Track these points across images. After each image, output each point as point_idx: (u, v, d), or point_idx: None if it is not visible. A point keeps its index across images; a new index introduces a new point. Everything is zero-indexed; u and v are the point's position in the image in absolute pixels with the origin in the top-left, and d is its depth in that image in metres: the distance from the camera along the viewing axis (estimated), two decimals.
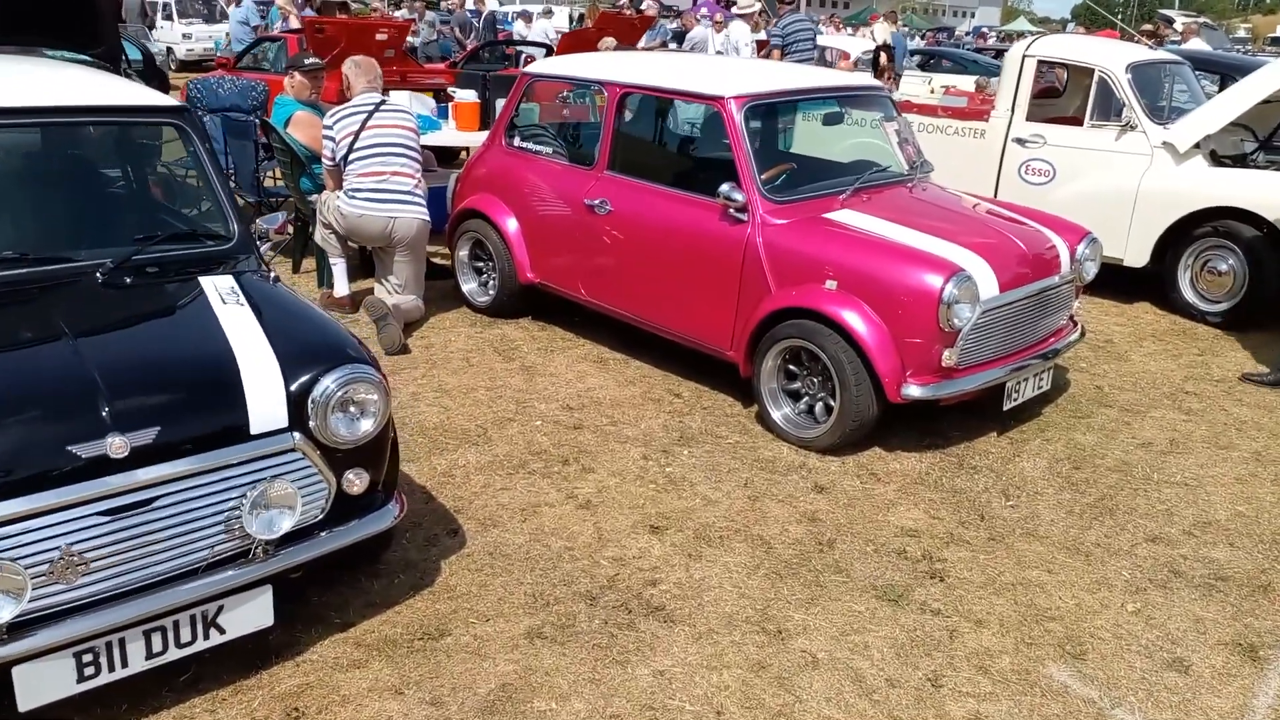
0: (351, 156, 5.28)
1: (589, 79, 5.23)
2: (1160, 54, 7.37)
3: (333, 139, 5.31)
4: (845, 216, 4.34)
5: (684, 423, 4.40)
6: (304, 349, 2.72)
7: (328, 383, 2.62)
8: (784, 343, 4.21)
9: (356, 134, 5.27)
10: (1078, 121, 6.86)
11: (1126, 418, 4.68)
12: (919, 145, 5.18)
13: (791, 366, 4.26)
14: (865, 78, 5.34)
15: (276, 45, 12.14)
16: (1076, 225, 4.73)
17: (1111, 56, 6.69)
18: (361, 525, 2.78)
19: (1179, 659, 2.90)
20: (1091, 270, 4.65)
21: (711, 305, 4.52)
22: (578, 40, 13.23)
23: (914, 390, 3.96)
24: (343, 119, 5.32)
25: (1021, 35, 18.48)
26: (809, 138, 5.10)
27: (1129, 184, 6.41)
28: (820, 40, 18.01)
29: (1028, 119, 6.94)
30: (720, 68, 5.04)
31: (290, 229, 3.68)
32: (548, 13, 22.54)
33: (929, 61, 17.87)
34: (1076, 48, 7.03)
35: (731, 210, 4.37)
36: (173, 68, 20.00)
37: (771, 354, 4.27)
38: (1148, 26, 17.49)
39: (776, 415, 4.30)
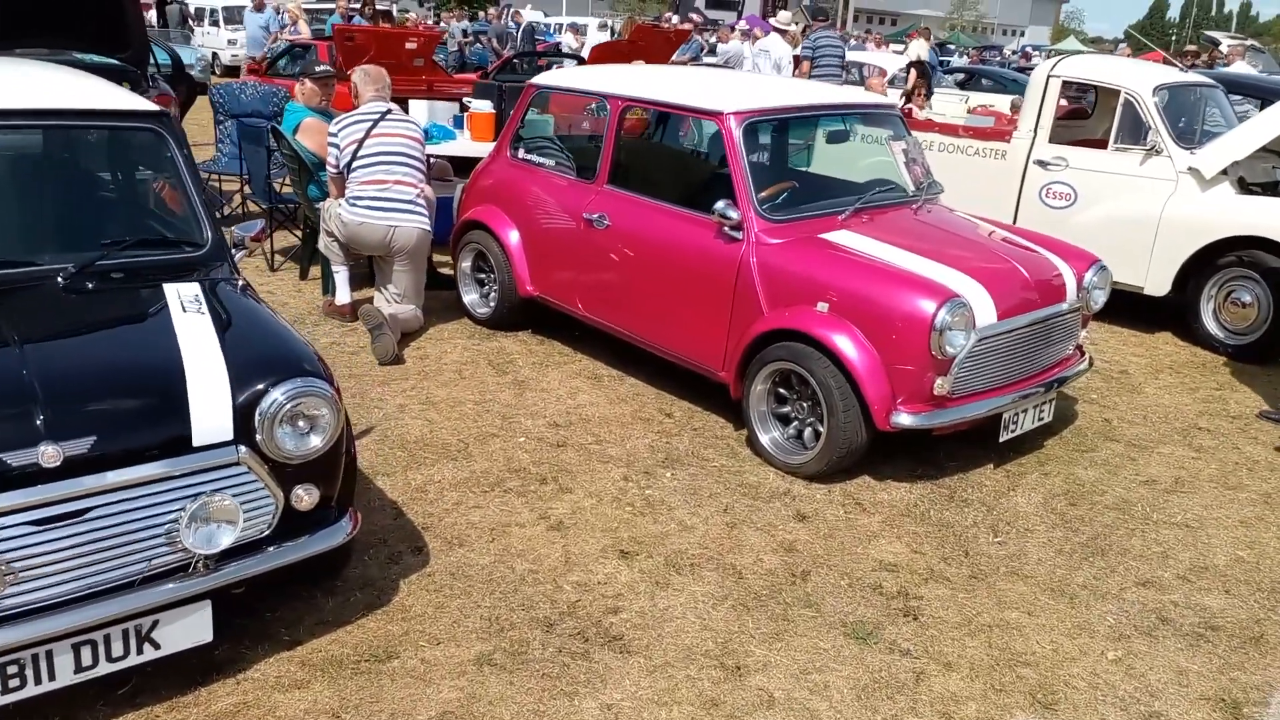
0: (355, 164, 5.27)
1: (592, 91, 5.18)
2: (1191, 76, 7.17)
3: (337, 146, 5.31)
4: (842, 237, 4.23)
5: (671, 444, 4.31)
6: (257, 360, 2.68)
7: (276, 395, 2.57)
8: (774, 365, 4.11)
9: (361, 142, 5.27)
10: (1103, 145, 6.68)
11: (1132, 453, 4.51)
12: (928, 165, 5.06)
13: (781, 390, 4.16)
14: (876, 96, 5.23)
15: (307, 52, 12.28)
16: (1085, 252, 4.58)
17: (1138, 78, 6.52)
18: (311, 542, 2.73)
19: (1156, 713, 2.76)
20: (1100, 299, 4.50)
21: (704, 324, 4.44)
22: (609, 53, 13.23)
23: (904, 419, 3.84)
24: (348, 126, 5.32)
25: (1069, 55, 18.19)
26: (813, 156, 5.00)
27: (1152, 210, 6.23)
28: (858, 56, 17.91)
29: (1051, 141, 6.78)
30: (722, 82, 4.97)
31: (267, 237, 3.64)
32: (603, 26, 22.61)
33: (969, 80, 17.65)
34: (1102, 68, 6.85)
35: (726, 228, 4.29)
36: (217, 73, 20.37)
37: (761, 376, 4.18)
38: (1192, 48, 17.15)
39: (765, 439, 4.20)
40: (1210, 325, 6.17)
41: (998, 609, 3.21)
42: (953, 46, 34.03)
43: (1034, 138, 6.82)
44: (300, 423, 2.62)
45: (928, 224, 4.58)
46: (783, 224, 4.28)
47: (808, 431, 4.08)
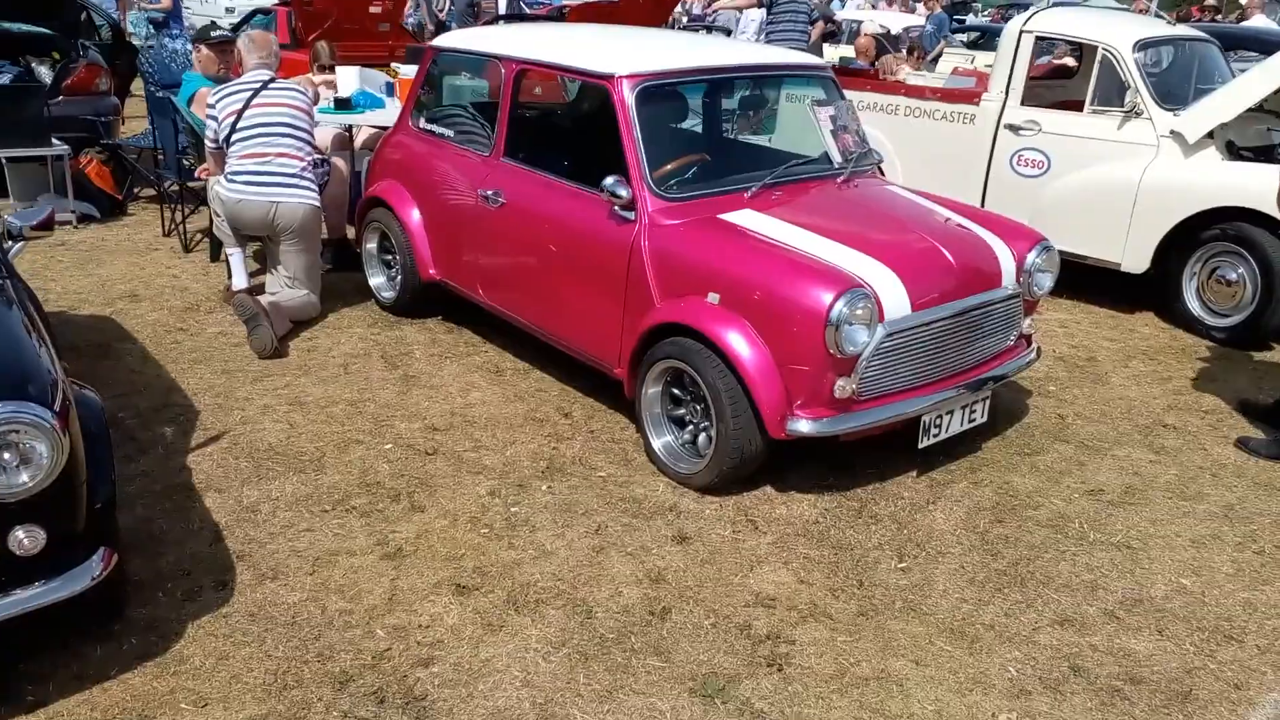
0: (234, 137, 4.83)
1: (486, 54, 4.67)
2: (1179, 30, 6.53)
3: (215, 118, 4.87)
4: (744, 218, 3.73)
5: (559, 449, 3.87)
6: None
7: None
8: (664, 363, 3.64)
9: (239, 113, 4.82)
10: (1080, 107, 6.08)
11: (1083, 456, 4.01)
12: (862, 133, 4.52)
13: (675, 390, 3.70)
14: (801, 56, 4.68)
15: (268, 18, 11.77)
16: (1029, 231, 4.05)
17: (1118, 32, 5.91)
18: (44, 592, 2.33)
19: None
20: (1045, 282, 3.98)
21: (597, 315, 3.97)
22: (590, 13, 12.55)
23: (802, 425, 3.37)
24: (226, 97, 4.87)
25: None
26: (723, 125, 4.48)
27: (1130, 178, 5.65)
28: (858, 15, 17.13)
29: (1028, 103, 6.19)
30: (618, 41, 4.44)
31: (56, 225, 3.21)
32: None
33: (982, 39, 16.84)
34: (1079, 22, 6.24)
35: (617, 208, 3.80)
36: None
37: (653, 375, 3.71)
38: (1210, 1, 16.25)
39: (657, 444, 3.74)
40: (1193, 305, 5.61)
41: (881, 656, 2.75)
42: (979, 5, 32.72)
43: (1005, 100, 6.23)
44: (7, 454, 2.20)
45: (850, 201, 4.06)
46: (679, 203, 3.79)
47: (702, 437, 3.62)
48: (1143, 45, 5.85)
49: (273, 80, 4.98)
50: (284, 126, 4.87)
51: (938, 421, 3.65)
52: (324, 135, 6.98)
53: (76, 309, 5.21)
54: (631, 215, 3.78)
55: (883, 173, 6.70)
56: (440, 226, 4.84)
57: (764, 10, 11.75)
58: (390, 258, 5.25)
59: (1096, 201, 5.79)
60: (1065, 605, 3.01)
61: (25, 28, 7.97)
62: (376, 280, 5.36)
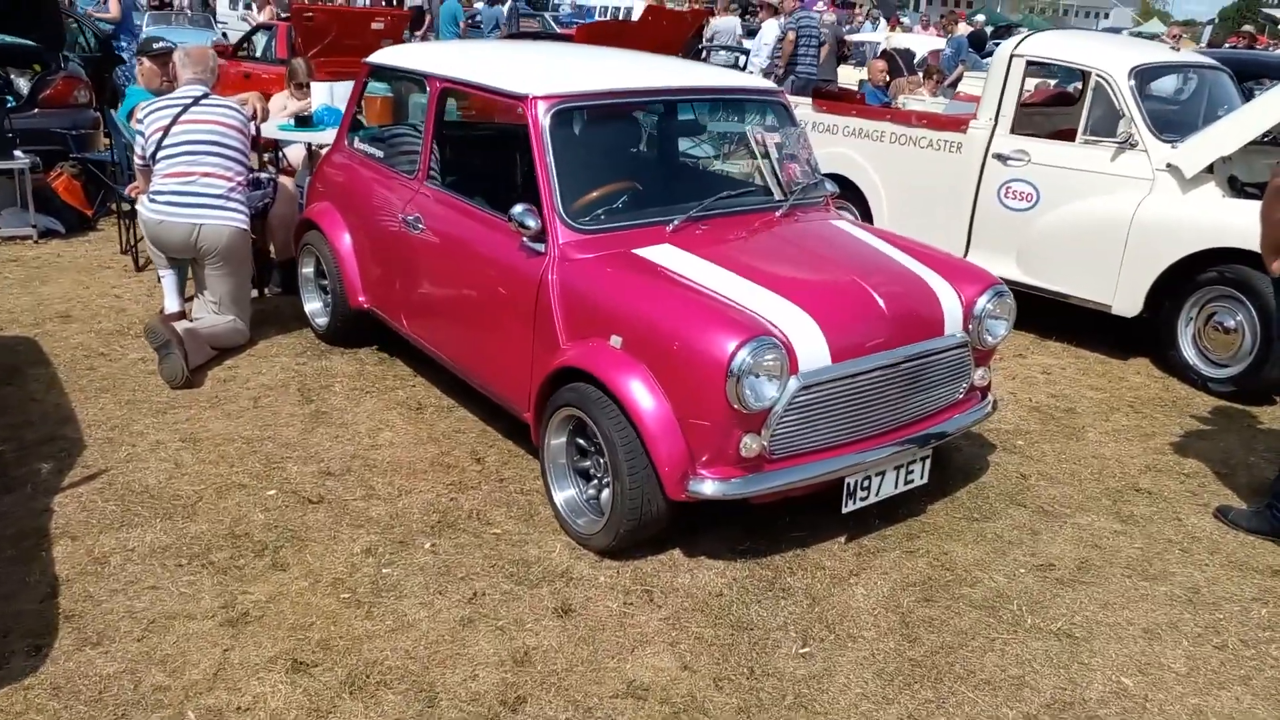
0: (159, 154, 4.61)
1: (414, 71, 4.41)
2: (1183, 56, 6.13)
3: (142, 134, 4.65)
4: (661, 254, 3.42)
5: (458, 500, 3.56)
6: None
7: None
8: (566, 410, 3.32)
9: (167, 129, 4.61)
10: (1073, 136, 5.69)
11: (1039, 523, 3.63)
12: (813, 163, 4.19)
13: (581, 440, 3.38)
14: (752, 79, 4.37)
15: (269, 34, 11.70)
16: (982, 274, 3.69)
17: (1112, 57, 5.53)
18: None
19: None
20: (999, 330, 3.61)
21: (508, 354, 3.68)
22: (597, 34, 12.30)
23: (705, 487, 3.03)
24: (154, 112, 4.66)
25: (1154, 39, 16.62)
26: (653, 151, 4.17)
27: (1123, 214, 5.25)
28: (873, 36, 16.77)
29: (1019, 132, 5.82)
30: (540, 59, 4.15)
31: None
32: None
33: None
34: (1072, 46, 5.85)
35: (526, 239, 3.51)
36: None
37: (555, 423, 3.40)
38: (1248, 28, 15.71)
39: (559, 498, 3.42)
40: (1188, 353, 5.19)
41: None
42: (1023, 30, 32.07)
43: (994, 128, 5.86)
44: None
45: (783, 238, 3.72)
46: (593, 235, 3.49)
47: (605, 494, 3.29)
48: (1140, 72, 5.46)
49: (205, 96, 4.77)
50: (212, 145, 4.65)
51: (865, 484, 3.29)
52: (295, 154, 6.82)
53: (4, 329, 5.01)
54: (541, 247, 3.48)
55: (852, 213, 6.40)
56: (369, 252, 4.59)
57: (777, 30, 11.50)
58: (326, 283, 5.00)
59: (1086, 238, 5.40)
60: (981, 707, 2.63)
61: (5, 39, 7.88)
62: (312, 306, 5.11)
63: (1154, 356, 5.41)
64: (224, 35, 21.41)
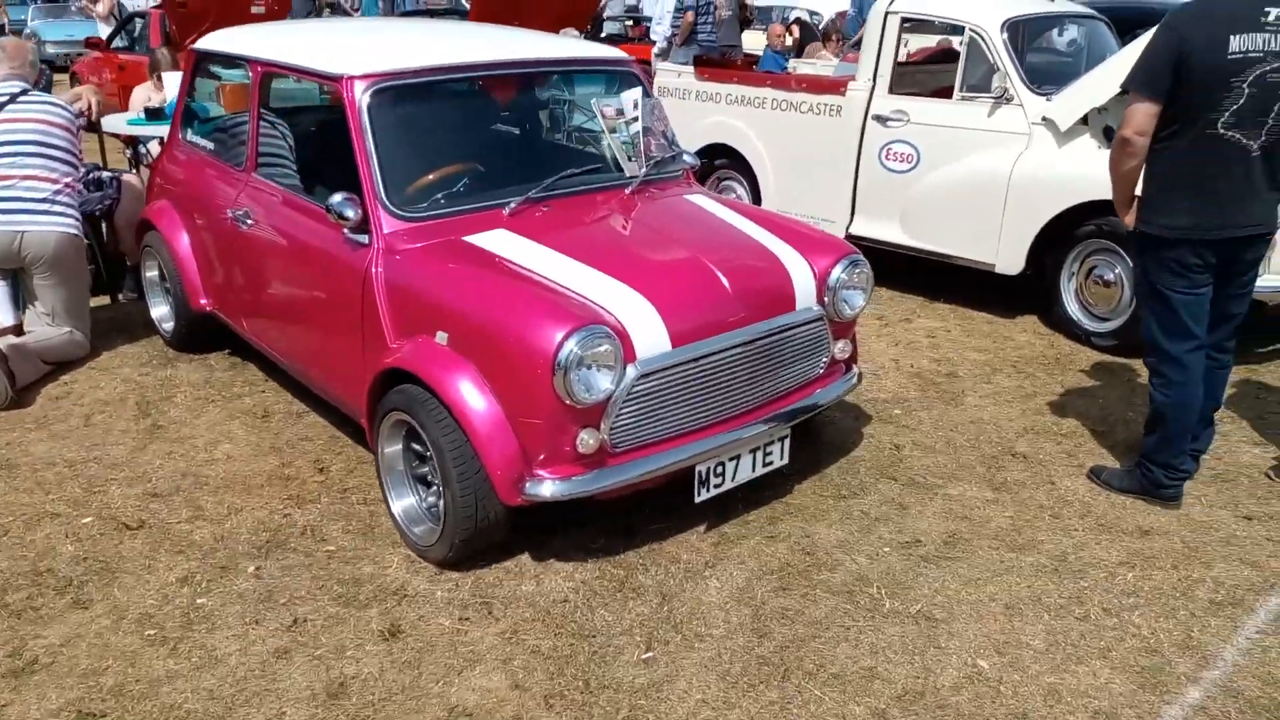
0: None
1: (237, 55, 4.10)
2: (1058, 6, 6.03)
3: None
4: (495, 240, 3.19)
5: (293, 516, 3.31)
6: None
7: None
8: (395, 414, 3.09)
9: None
10: (950, 94, 5.58)
11: (909, 497, 3.50)
12: (670, 137, 3.99)
13: (417, 446, 3.14)
14: (600, 49, 4.14)
15: (144, 23, 11.10)
16: (838, 244, 3.53)
17: (986, 11, 5.40)
18: None
19: None
20: (856, 301, 3.46)
21: (341, 356, 3.43)
22: (494, 10, 11.81)
23: (544, 488, 2.83)
24: None
25: None
26: (491, 129, 3.92)
27: (1000, 171, 5.16)
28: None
29: (893, 91, 5.68)
30: (362, 36, 3.85)
31: None
32: None
33: None
34: (946, 2, 5.72)
35: (347, 230, 3.25)
36: None
37: (387, 428, 3.16)
38: None
39: (397, 508, 3.20)
40: (1072, 309, 5.13)
41: None
42: None
43: (872, 89, 5.72)
44: None
45: (630, 218, 3.52)
46: (421, 223, 3.24)
47: (444, 501, 3.07)
48: (1012, 24, 5.35)
49: (25, 93, 4.41)
50: (33, 145, 4.30)
51: (719, 470, 3.12)
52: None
53: None
54: (365, 239, 3.23)
55: (741, 184, 6.21)
56: (207, 252, 4.29)
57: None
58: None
59: (966, 197, 5.30)
60: (828, 706, 2.48)
61: None
62: (159, 311, 4.79)
63: (1041, 314, 5.35)
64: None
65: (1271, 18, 3.05)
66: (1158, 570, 3.09)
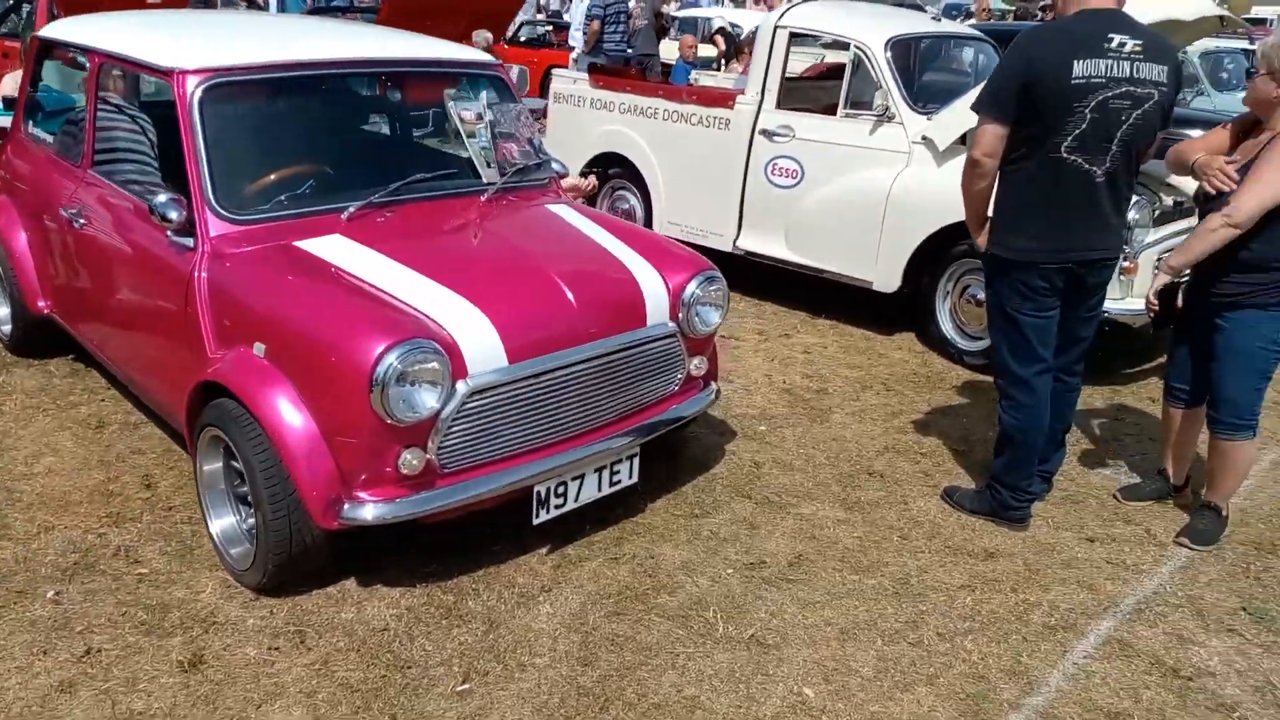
0: None
1: (75, 44, 3.88)
2: (946, 26, 6.12)
3: None
4: (328, 246, 3.05)
5: (107, 536, 3.11)
6: None
7: None
8: (210, 430, 2.92)
9: None
10: (836, 111, 5.59)
11: (761, 516, 3.45)
12: (535, 142, 3.89)
13: (235, 462, 2.97)
14: (461, 50, 4.01)
15: (15, 9, 10.56)
16: (694, 259, 3.47)
17: (870, 29, 5.43)
18: None
19: None
20: (711, 317, 3.39)
21: (166, 366, 3.27)
22: (408, 8, 11.52)
23: (364, 512, 2.70)
24: None
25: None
26: (337, 131, 3.77)
27: (880, 188, 5.18)
28: (707, 12, 16.63)
29: (780, 106, 5.67)
30: (205, 29, 3.68)
31: None
32: None
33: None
34: (833, 18, 5.75)
35: (171, 233, 3.07)
36: None
37: (204, 444, 2.99)
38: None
39: (215, 528, 3.02)
40: (946, 327, 5.17)
41: None
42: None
43: (760, 103, 5.71)
44: None
45: (478, 226, 3.40)
46: (251, 227, 3.08)
47: (257, 523, 2.91)
48: (896, 43, 5.39)
49: None
50: None
51: (560, 490, 3.03)
52: None
53: None
54: (190, 242, 3.05)
55: (633, 193, 6.12)
56: (45, 251, 4.04)
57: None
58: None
59: (847, 215, 5.32)
60: None
61: None
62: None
63: (919, 332, 5.39)
64: None
65: (1115, 44, 3.07)
66: (997, 594, 3.09)
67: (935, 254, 5.07)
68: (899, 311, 5.42)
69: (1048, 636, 2.90)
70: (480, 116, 3.74)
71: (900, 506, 3.59)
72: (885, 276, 5.21)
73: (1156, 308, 3.41)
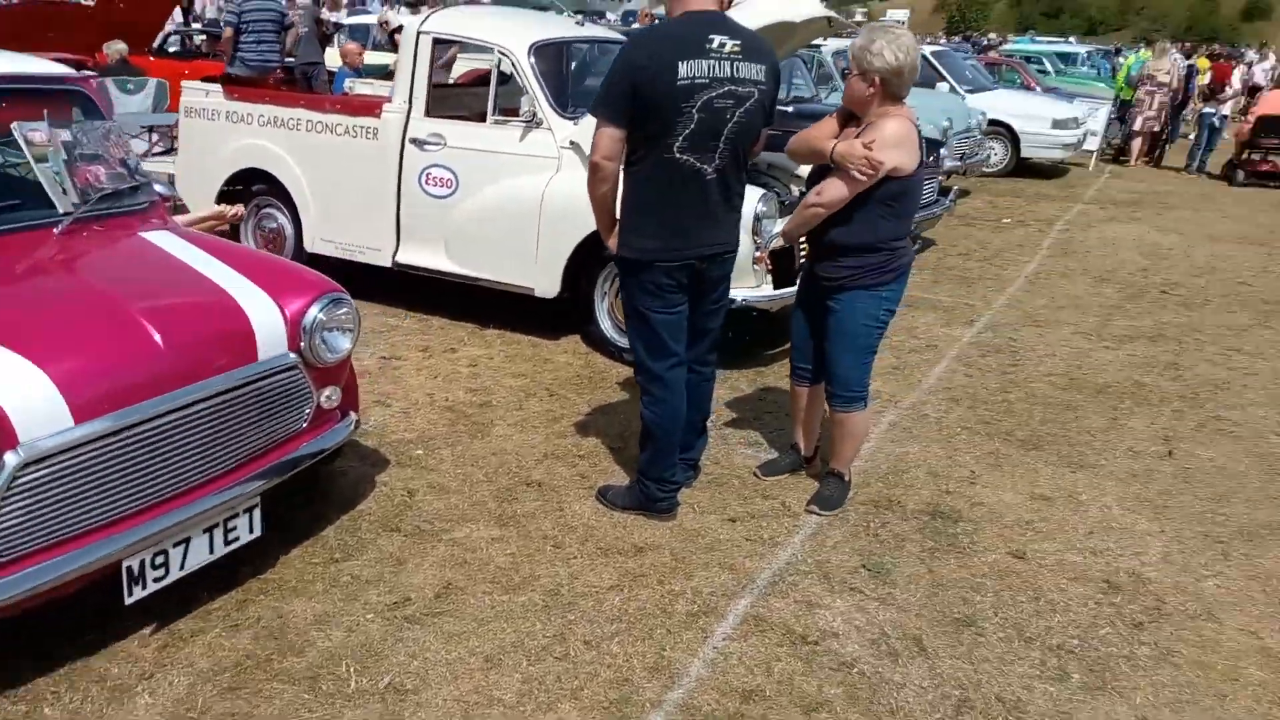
0: None
1: None
2: (593, 32, 6.25)
3: None
4: None
5: None
6: None
7: None
8: None
9: None
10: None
11: (409, 550, 3.30)
12: (129, 164, 3.47)
13: None
14: (32, 63, 3.51)
15: None
16: (316, 281, 3.23)
17: (514, 35, 5.40)
18: None
19: None
20: (340, 344, 3.18)
21: None
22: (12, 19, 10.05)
23: None
24: None
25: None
26: None
27: (533, 195, 5.17)
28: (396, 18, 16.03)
29: (430, 114, 5.51)
30: None
31: None
32: None
33: None
34: (475, 23, 5.68)
35: None
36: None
37: None
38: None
39: None
40: (605, 326, 5.28)
41: None
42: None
43: (409, 111, 5.52)
44: None
45: (44, 263, 2.98)
46: None
47: None
48: (541, 47, 5.40)
49: None
50: None
51: (158, 561, 2.70)
52: None
53: None
54: None
55: (282, 211, 5.75)
56: None
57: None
58: None
59: (503, 222, 5.27)
60: None
61: None
62: None
63: (583, 334, 5.46)
64: None
65: (715, 44, 3.19)
66: (644, 589, 3.14)
67: (591, 257, 5.15)
68: (561, 317, 5.46)
69: (690, 624, 2.98)
70: (50, 138, 3.28)
71: (556, 514, 3.58)
72: (546, 282, 5.22)
73: (769, 265, 3.59)
